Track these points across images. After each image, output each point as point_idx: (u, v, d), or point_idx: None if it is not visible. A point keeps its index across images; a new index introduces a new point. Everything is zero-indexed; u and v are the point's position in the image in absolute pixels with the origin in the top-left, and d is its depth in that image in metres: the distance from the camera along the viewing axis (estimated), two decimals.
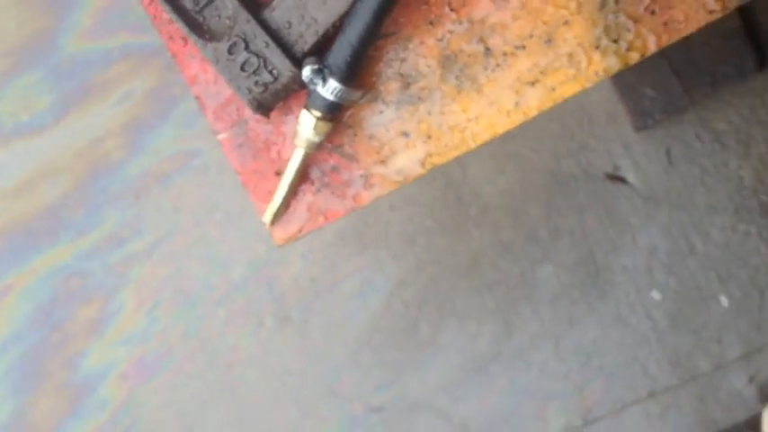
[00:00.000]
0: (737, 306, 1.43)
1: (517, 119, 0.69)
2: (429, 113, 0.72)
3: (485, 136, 0.70)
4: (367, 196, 0.74)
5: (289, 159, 0.74)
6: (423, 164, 0.72)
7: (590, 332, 1.47)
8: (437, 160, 0.72)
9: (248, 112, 0.75)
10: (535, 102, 0.69)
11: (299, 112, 0.73)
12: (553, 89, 0.69)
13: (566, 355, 1.48)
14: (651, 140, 1.45)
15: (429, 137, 0.72)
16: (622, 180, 1.47)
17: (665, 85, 1.41)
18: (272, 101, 0.72)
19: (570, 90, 0.68)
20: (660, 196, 1.45)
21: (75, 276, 1.61)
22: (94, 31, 1.59)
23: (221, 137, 0.76)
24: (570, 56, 0.68)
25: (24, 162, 1.61)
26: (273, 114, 0.74)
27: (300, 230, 0.76)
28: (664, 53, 1.41)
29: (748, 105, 1.41)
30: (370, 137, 0.73)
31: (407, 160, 0.72)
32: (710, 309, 1.43)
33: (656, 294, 1.46)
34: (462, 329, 1.50)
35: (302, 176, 0.75)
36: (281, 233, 0.76)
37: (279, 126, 0.75)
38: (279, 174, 0.75)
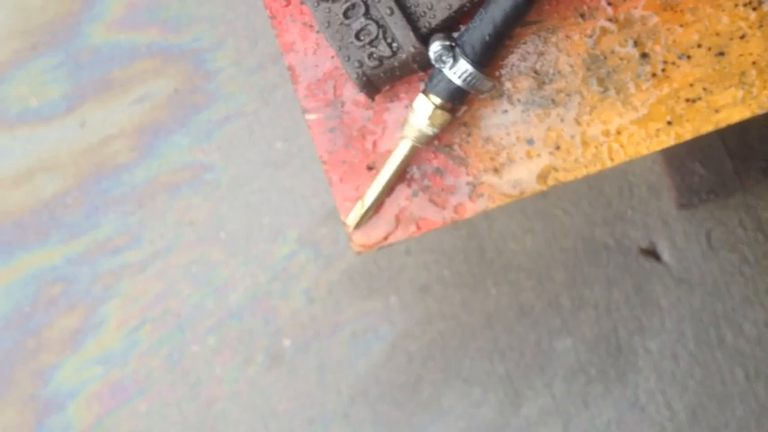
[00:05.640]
0: (762, 408, 1.34)
1: (667, 140, 0.59)
2: (562, 120, 0.61)
3: (624, 155, 0.60)
4: (471, 208, 0.63)
5: (385, 153, 0.63)
6: (544, 179, 0.62)
7: (604, 415, 1.38)
8: (563, 177, 0.62)
9: (347, 92, 0.64)
10: (693, 123, 0.59)
11: (408, 99, 0.62)
12: (716, 111, 0.59)
13: None
14: (692, 220, 1.38)
15: (557, 148, 0.61)
16: (657, 257, 1.39)
17: (717, 164, 1.36)
18: (383, 80, 0.61)
19: (737, 115, 0.58)
20: (695, 280, 1.37)
21: (61, 281, 1.48)
22: (123, 23, 1.50)
23: (310, 117, 0.65)
24: (742, 75, 0.58)
25: (26, 151, 1.50)
26: (377, 98, 0.64)
27: (386, 238, 0.65)
28: (719, 130, 1.34)
29: None
30: (487, 139, 0.63)
31: (527, 172, 0.62)
32: (734, 406, 1.35)
33: (677, 385, 1.37)
34: (467, 394, 1.40)
35: (399, 176, 0.64)
36: (362, 238, 0.65)
37: (381, 113, 0.64)
38: (371, 168, 0.64)
